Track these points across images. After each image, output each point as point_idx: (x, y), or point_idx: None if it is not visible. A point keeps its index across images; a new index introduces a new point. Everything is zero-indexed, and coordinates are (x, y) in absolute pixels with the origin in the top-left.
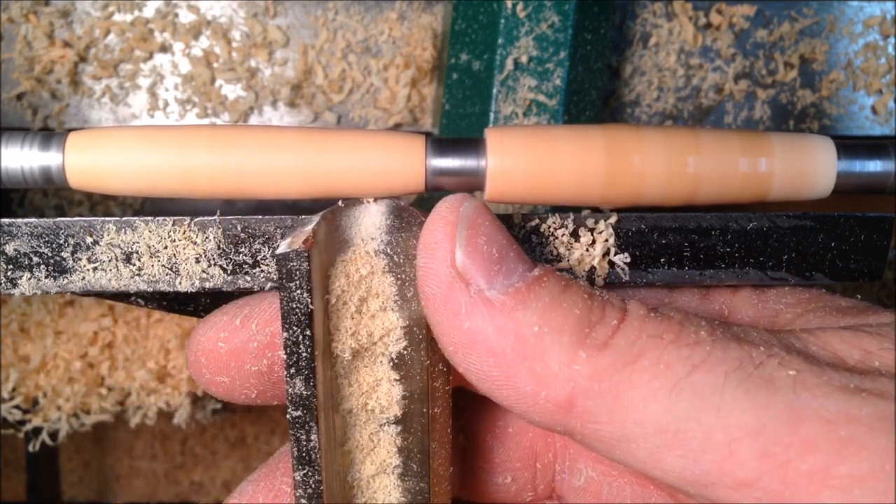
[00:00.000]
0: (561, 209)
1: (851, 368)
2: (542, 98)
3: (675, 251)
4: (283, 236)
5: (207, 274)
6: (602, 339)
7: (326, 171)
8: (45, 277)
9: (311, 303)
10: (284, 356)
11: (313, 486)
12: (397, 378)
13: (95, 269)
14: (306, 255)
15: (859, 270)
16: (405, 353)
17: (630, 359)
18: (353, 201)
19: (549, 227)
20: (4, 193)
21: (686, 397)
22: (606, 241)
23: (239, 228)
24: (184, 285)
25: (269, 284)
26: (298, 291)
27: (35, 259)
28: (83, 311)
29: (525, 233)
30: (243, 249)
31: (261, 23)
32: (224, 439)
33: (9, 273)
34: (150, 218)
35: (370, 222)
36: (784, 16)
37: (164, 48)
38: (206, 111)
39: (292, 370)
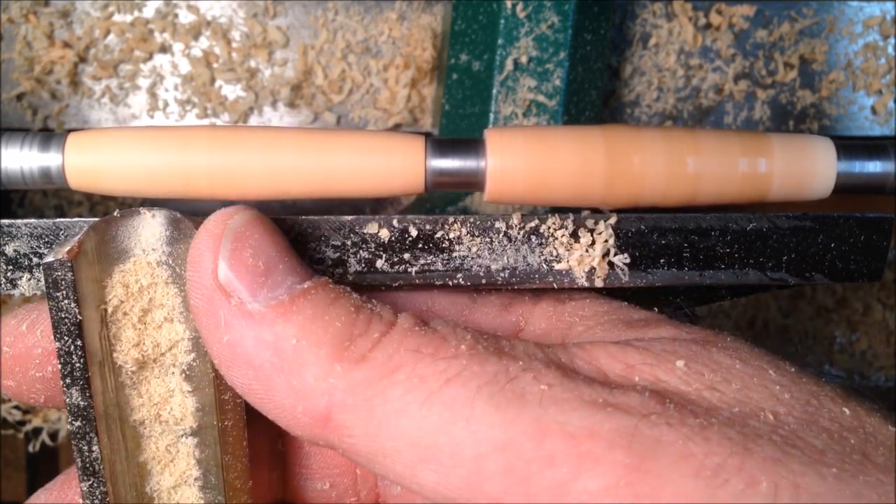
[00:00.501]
0: (561, 210)
1: (608, 383)
2: (541, 98)
3: (675, 252)
4: (50, 246)
5: None
6: (360, 352)
7: (326, 171)
8: None
9: (80, 313)
10: (60, 366)
11: (99, 497)
12: (190, 390)
13: None
14: (70, 264)
15: (859, 271)
16: (194, 364)
17: (386, 372)
18: (130, 211)
19: (549, 227)
20: (4, 194)
21: (437, 411)
22: (606, 241)
23: None
24: None
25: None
26: (65, 301)
27: (35, 259)
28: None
29: (525, 233)
30: None
31: (261, 23)
32: None
33: (9, 273)
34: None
35: (149, 233)
36: (784, 16)
37: (164, 48)
38: (206, 111)
39: (68, 380)
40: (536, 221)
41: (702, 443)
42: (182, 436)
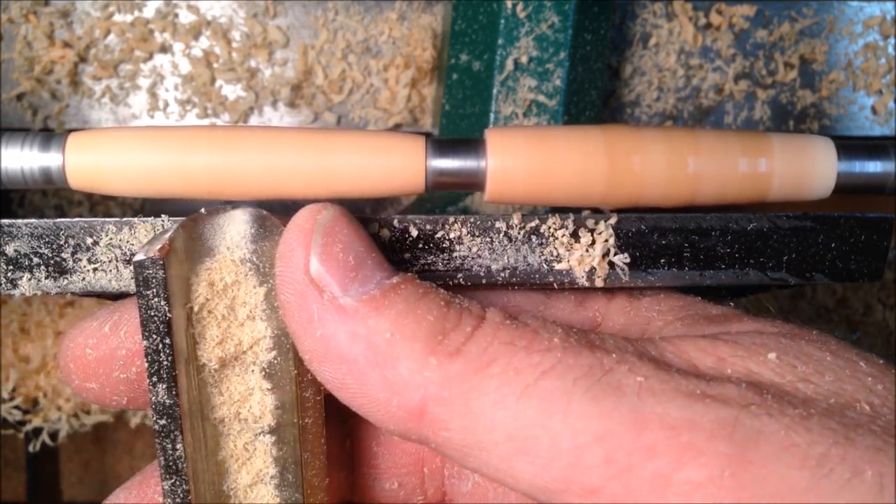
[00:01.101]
0: (561, 210)
1: (702, 375)
2: (542, 98)
3: (676, 252)
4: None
5: None
6: (454, 345)
7: (326, 171)
8: (46, 278)
9: (170, 311)
10: (146, 364)
11: (181, 495)
12: (269, 388)
13: (95, 269)
14: (161, 262)
15: (859, 271)
16: (275, 362)
17: (481, 365)
18: (216, 209)
19: (549, 227)
20: (4, 194)
21: (534, 403)
22: (606, 241)
23: None
24: None
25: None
26: (156, 300)
27: (35, 260)
28: (83, 312)
29: (525, 233)
30: None
31: (261, 23)
32: None
33: (9, 274)
34: (149, 218)
35: (234, 231)
36: (784, 16)
37: (164, 48)
38: (206, 111)
39: (154, 379)
40: (537, 221)
41: (804, 433)
42: (260, 434)
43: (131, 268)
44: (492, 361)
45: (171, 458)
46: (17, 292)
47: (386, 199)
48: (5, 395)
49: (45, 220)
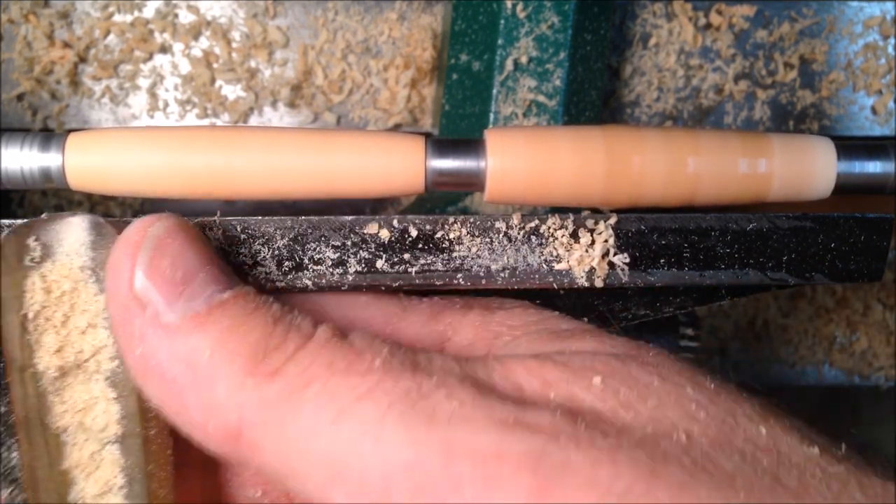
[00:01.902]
0: (561, 210)
1: (523, 400)
2: (541, 98)
3: (675, 252)
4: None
5: None
6: (274, 365)
7: (326, 171)
8: None
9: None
10: None
11: None
12: (114, 397)
13: None
14: None
15: (859, 271)
16: (119, 370)
17: (298, 387)
18: (55, 215)
19: (549, 227)
20: (4, 194)
21: (347, 429)
22: (606, 241)
23: (238, 229)
24: None
25: (269, 285)
26: None
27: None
28: None
29: (525, 233)
30: (243, 250)
31: (261, 23)
32: None
33: None
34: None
35: (73, 238)
36: (784, 16)
37: (164, 49)
38: (206, 112)
39: None
40: (536, 222)
41: (609, 466)
42: (107, 443)
43: None
44: (309, 383)
45: (6, 467)
46: None
47: (386, 199)
48: None
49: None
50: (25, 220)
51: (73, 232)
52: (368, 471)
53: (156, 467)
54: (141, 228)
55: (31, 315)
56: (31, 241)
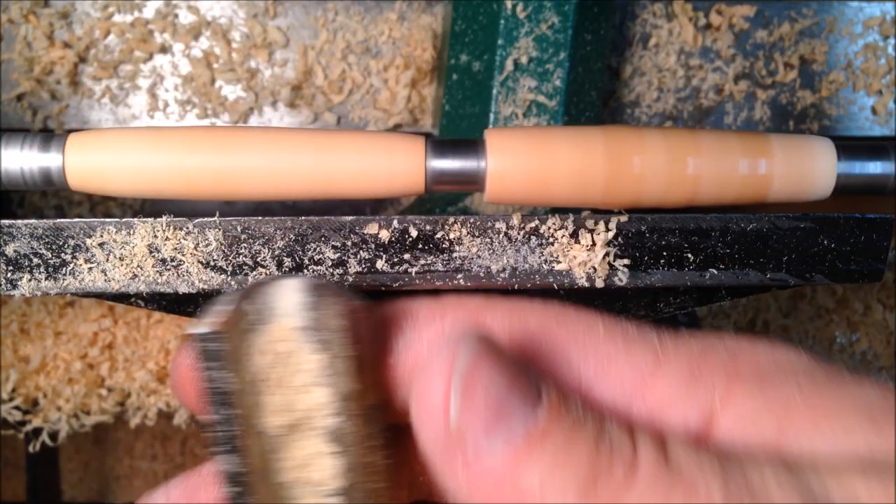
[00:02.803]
0: (561, 210)
1: None
2: (541, 99)
3: (675, 252)
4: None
5: (207, 275)
6: (608, 497)
7: (326, 172)
8: (45, 279)
9: (233, 383)
10: (210, 436)
11: None
12: (336, 451)
13: (95, 269)
14: (225, 335)
15: (859, 272)
16: (343, 426)
17: None
18: (268, 279)
19: (549, 228)
20: (4, 194)
21: None
22: (606, 242)
23: (239, 229)
24: (184, 286)
25: None
26: (219, 372)
27: (35, 260)
28: (83, 312)
29: (525, 234)
30: (243, 251)
31: (261, 23)
32: None
33: (9, 274)
34: (149, 219)
35: (287, 300)
36: (784, 16)
37: (164, 49)
38: (206, 112)
39: (220, 449)
40: (536, 222)
41: None
42: (329, 496)
43: (195, 340)
44: None
45: None
46: (17, 293)
47: (386, 199)
48: (5, 396)
49: (45, 220)
50: (247, 286)
51: (287, 294)
52: None
53: None
54: (448, 360)
55: (251, 378)
56: (246, 306)
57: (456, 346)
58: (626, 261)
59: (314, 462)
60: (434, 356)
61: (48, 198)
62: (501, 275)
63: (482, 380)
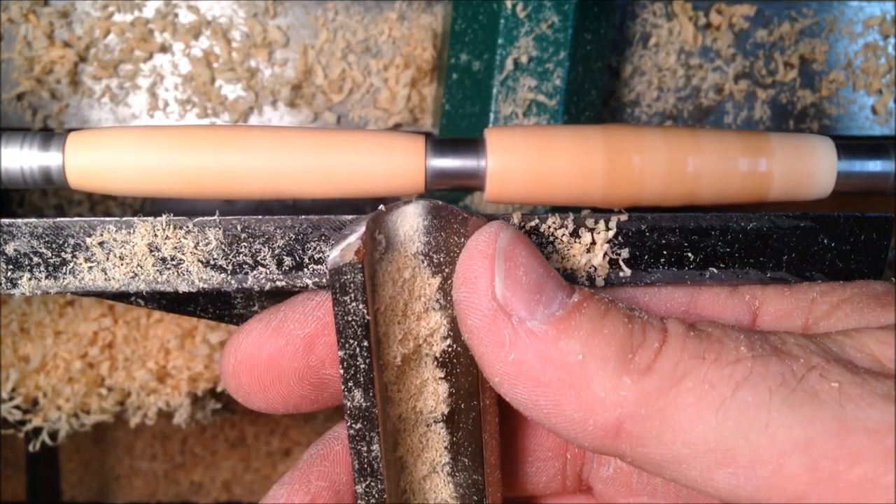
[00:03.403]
0: (561, 209)
1: (890, 373)
2: (541, 98)
3: (675, 251)
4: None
5: (207, 274)
6: (645, 362)
7: (326, 171)
8: (45, 278)
9: (367, 314)
10: (342, 370)
11: (376, 496)
12: (442, 376)
13: (95, 269)
14: (360, 266)
15: (859, 271)
16: (450, 349)
17: (674, 381)
18: (393, 205)
19: (549, 227)
20: (4, 193)
21: (732, 416)
22: (606, 241)
23: (239, 228)
24: (184, 285)
25: (269, 284)
26: (354, 304)
27: (35, 259)
28: (83, 311)
29: (525, 233)
30: (243, 249)
31: (261, 23)
32: (224, 439)
33: (9, 273)
34: (149, 218)
35: (408, 225)
36: (784, 16)
37: (164, 48)
38: (206, 111)
39: (351, 383)
40: (536, 221)
41: None
42: (433, 423)
43: (326, 271)
44: (684, 376)
45: (365, 460)
46: (16, 292)
47: (386, 198)
48: (5, 395)
49: (45, 219)
50: (372, 214)
51: (409, 220)
52: (760, 453)
53: (489, 436)
54: (490, 239)
55: (382, 308)
56: (377, 235)
57: (496, 231)
58: (626, 259)
59: (423, 390)
60: (475, 239)
61: (48, 197)
62: None
63: (522, 259)
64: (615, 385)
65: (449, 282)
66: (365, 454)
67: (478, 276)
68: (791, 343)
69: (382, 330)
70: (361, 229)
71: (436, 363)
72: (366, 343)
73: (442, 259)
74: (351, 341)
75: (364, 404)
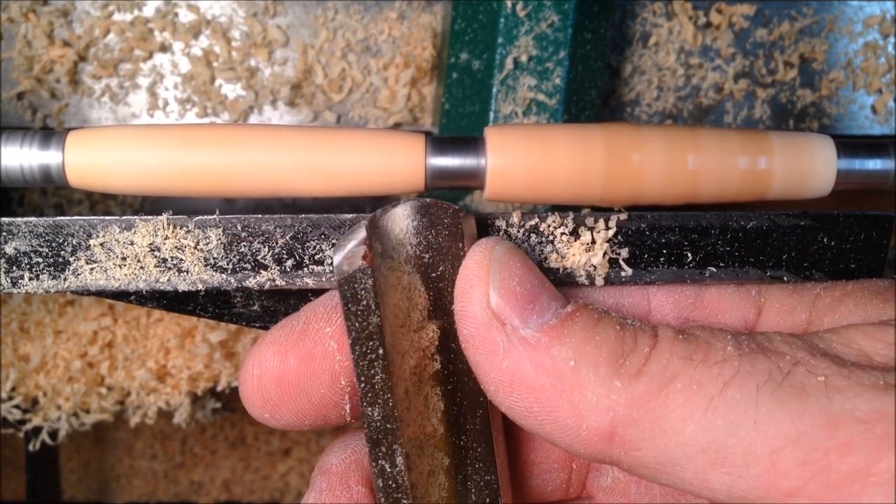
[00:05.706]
0: (561, 208)
1: (878, 365)
2: (541, 97)
3: (675, 250)
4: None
5: (208, 273)
6: (636, 366)
7: (326, 169)
8: (45, 277)
9: (381, 320)
10: (359, 383)
11: None
12: (443, 393)
13: (95, 268)
14: (370, 270)
15: (859, 269)
16: (452, 360)
17: (664, 383)
18: (382, 210)
19: (549, 226)
20: (4, 192)
21: (722, 414)
22: (606, 240)
23: (239, 228)
24: (184, 285)
25: (269, 283)
26: (366, 313)
27: (35, 258)
28: (83, 311)
29: (525, 232)
30: (243, 249)
31: (260, 22)
32: (224, 439)
33: (9, 272)
34: (149, 217)
35: (398, 227)
36: (784, 15)
37: (164, 48)
38: (206, 110)
39: (368, 397)
40: (536, 220)
41: None
42: (436, 448)
43: (340, 282)
44: (673, 378)
45: (388, 475)
46: (17, 291)
47: (386, 197)
48: (5, 395)
49: (45, 218)
50: (369, 217)
51: (399, 223)
52: (752, 450)
53: (497, 433)
54: (486, 252)
55: (389, 318)
56: (374, 242)
57: (491, 244)
58: (625, 258)
59: (427, 401)
60: (472, 252)
61: (48, 196)
62: None
63: (517, 271)
64: (606, 390)
65: (444, 283)
66: (388, 470)
67: (473, 285)
68: (777, 341)
69: (390, 342)
70: (362, 234)
71: (437, 379)
72: (381, 350)
73: (434, 259)
74: (366, 351)
75: (378, 419)
